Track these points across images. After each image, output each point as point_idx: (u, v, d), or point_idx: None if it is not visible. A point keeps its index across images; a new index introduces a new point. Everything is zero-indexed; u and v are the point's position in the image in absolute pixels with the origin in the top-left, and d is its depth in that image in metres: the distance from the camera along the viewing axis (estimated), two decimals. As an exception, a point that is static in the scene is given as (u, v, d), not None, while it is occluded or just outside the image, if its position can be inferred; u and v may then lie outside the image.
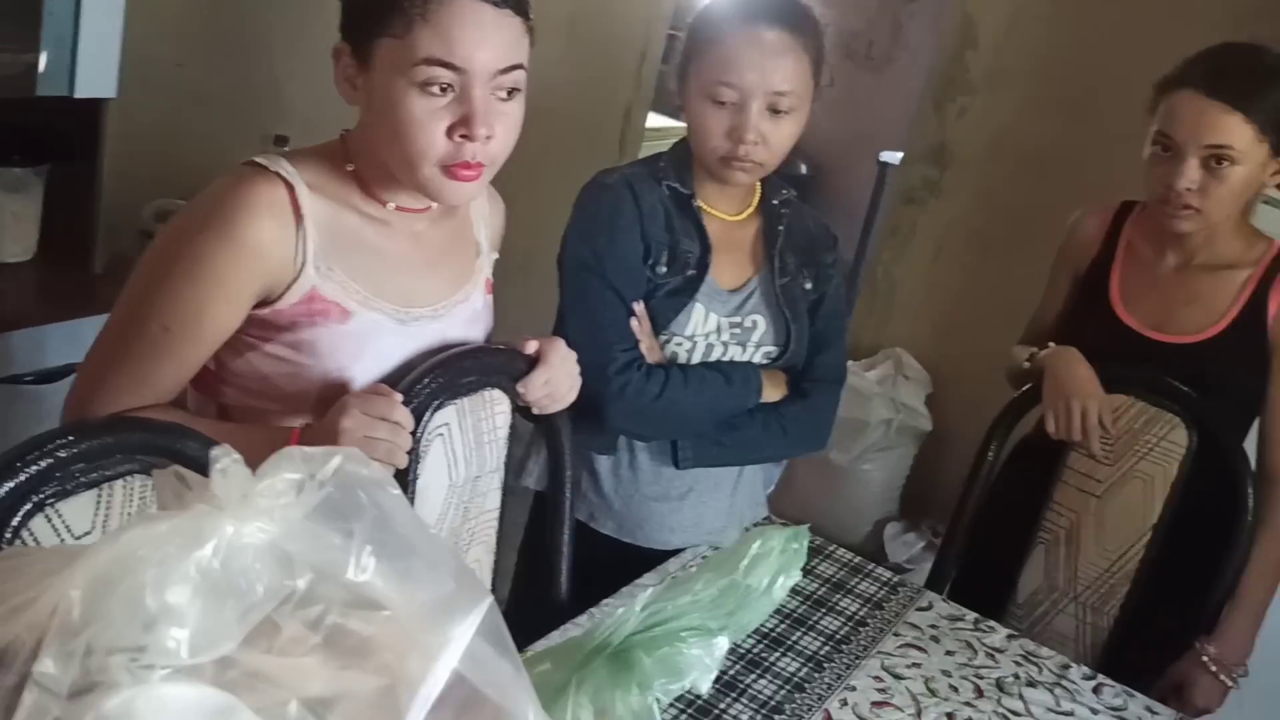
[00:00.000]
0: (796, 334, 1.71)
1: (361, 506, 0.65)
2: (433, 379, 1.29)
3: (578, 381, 1.44)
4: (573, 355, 1.43)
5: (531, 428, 1.68)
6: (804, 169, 6.20)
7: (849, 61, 6.13)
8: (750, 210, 1.73)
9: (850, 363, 3.48)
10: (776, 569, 1.02)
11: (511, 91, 1.24)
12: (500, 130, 1.23)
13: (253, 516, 0.62)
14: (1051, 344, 1.82)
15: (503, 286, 3.78)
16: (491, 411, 1.42)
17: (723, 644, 1.01)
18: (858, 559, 1.79)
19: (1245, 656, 1.71)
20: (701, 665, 1.00)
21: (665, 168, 1.67)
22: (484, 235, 1.47)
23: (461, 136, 1.20)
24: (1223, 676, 1.69)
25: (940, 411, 3.36)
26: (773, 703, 1.40)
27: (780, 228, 1.72)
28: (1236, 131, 1.60)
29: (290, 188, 1.21)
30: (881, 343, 3.52)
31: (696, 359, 1.67)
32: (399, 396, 1.19)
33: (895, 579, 1.75)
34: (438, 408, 1.32)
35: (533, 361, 1.41)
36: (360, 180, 1.29)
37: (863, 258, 5.13)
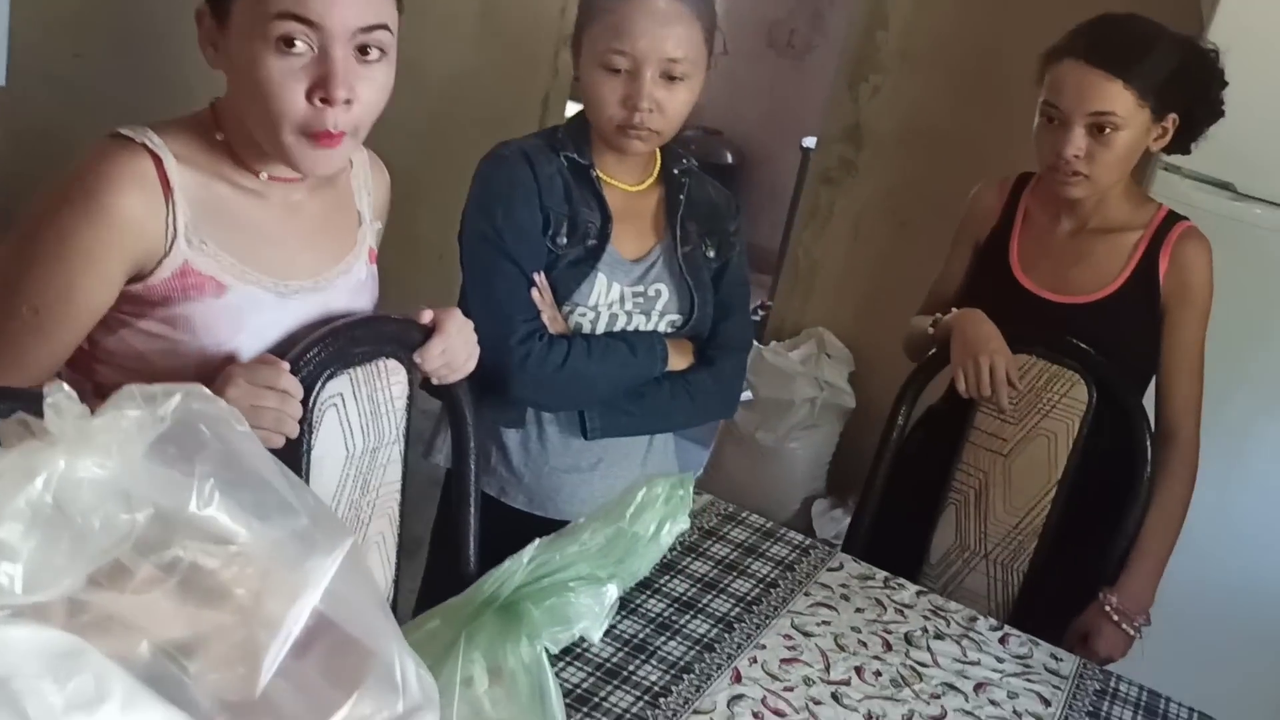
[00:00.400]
0: (700, 302, 1.72)
1: (205, 441, 0.65)
2: (322, 348, 1.28)
3: (475, 350, 1.44)
4: (469, 324, 1.43)
5: (439, 406, 1.67)
6: (729, 158, 6.23)
7: (771, 50, 6.18)
8: (651, 180, 1.74)
9: (773, 343, 3.52)
10: (662, 516, 1.02)
11: (376, 54, 1.20)
12: (363, 93, 1.20)
13: (88, 452, 0.61)
14: (954, 309, 1.85)
15: (418, 276, 3.76)
16: (387, 382, 1.40)
17: (612, 592, 1.02)
18: (770, 524, 1.80)
19: (1147, 606, 1.75)
20: (591, 613, 1.01)
21: (563, 138, 1.67)
22: (366, 204, 1.44)
23: (321, 100, 1.17)
24: (1125, 626, 1.73)
25: (863, 389, 3.40)
26: (682, 663, 1.41)
27: (681, 196, 1.73)
28: (1118, 98, 1.65)
29: (157, 159, 1.18)
30: (804, 323, 3.56)
31: (600, 329, 1.67)
32: (285, 364, 1.18)
33: (807, 542, 1.77)
34: (329, 377, 1.31)
35: (429, 331, 1.40)
36: (230, 150, 1.26)
37: (788, 242, 5.16)
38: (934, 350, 1.86)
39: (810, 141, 5.16)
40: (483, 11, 3.54)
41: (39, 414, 1.02)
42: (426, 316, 1.39)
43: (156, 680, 0.66)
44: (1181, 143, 1.74)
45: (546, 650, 1.01)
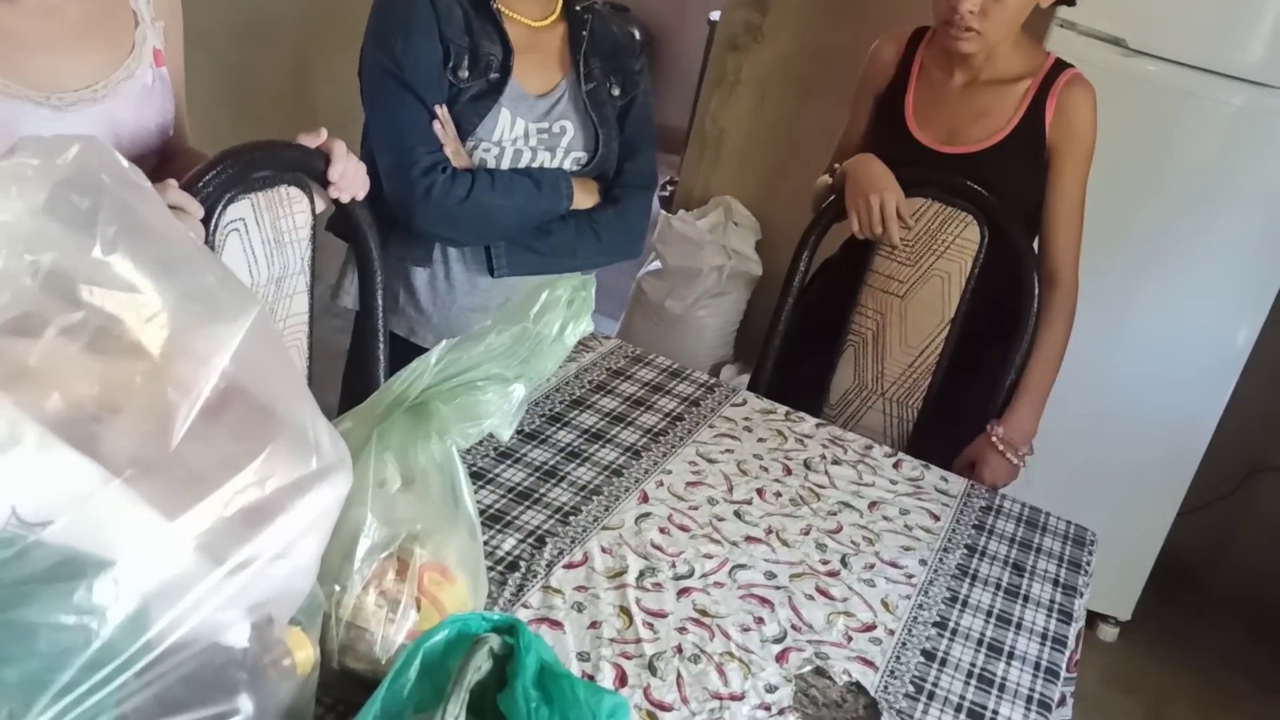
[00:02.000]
0: (604, 139, 1.73)
1: (105, 190, 0.65)
2: (221, 170, 1.27)
3: (366, 173, 1.43)
4: (343, 145, 1.41)
5: (346, 248, 1.66)
6: (637, 34, 6.15)
7: (677, -76, 6.07)
8: (554, 15, 1.72)
9: (681, 211, 3.54)
10: (565, 317, 1.04)
11: None
12: None
13: (-13, 195, 0.61)
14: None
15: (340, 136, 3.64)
16: (290, 210, 1.40)
17: (519, 391, 1.04)
18: (676, 365, 1.85)
19: (1030, 437, 1.84)
20: (499, 410, 1.03)
21: None
22: (144, 4, 1.36)
23: None
24: (1009, 455, 1.81)
25: (770, 256, 3.45)
26: (592, 486, 1.45)
27: (584, 33, 1.72)
28: None
29: None
30: (711, 191, 3.57)
31: (505, 165, 1.67)
32: (173, 182, 1.16)
33: (712, 381, 1.82)
34: (230, 201, 1.29)
35: (326, 159, 1.38)
36: None
37: (694, 115, 5.15)
38: (831, 199, 1.90)
39: (717, 15, 5.12)
40: None
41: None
42: (318, 139, 1.37)
43: (69, 432, 0.67)
44: None
45: (457, 446, 1.04)
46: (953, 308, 1.84)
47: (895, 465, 1.66)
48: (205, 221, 1.22)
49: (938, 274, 1.84)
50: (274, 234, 1.37)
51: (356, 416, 1.06)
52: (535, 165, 1.69)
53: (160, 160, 1.39)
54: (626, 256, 1.83)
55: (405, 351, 1.70)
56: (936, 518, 1.54)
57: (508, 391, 1.04)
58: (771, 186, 3.48)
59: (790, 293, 1.95)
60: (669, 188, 5.16)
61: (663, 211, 3.61)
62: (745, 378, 3.47)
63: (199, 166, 1.26)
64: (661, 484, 1.49)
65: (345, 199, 1.41)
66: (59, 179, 0.63)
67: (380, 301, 1.55)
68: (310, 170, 1.37)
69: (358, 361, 1.65)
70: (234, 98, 3.16)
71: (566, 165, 1.72)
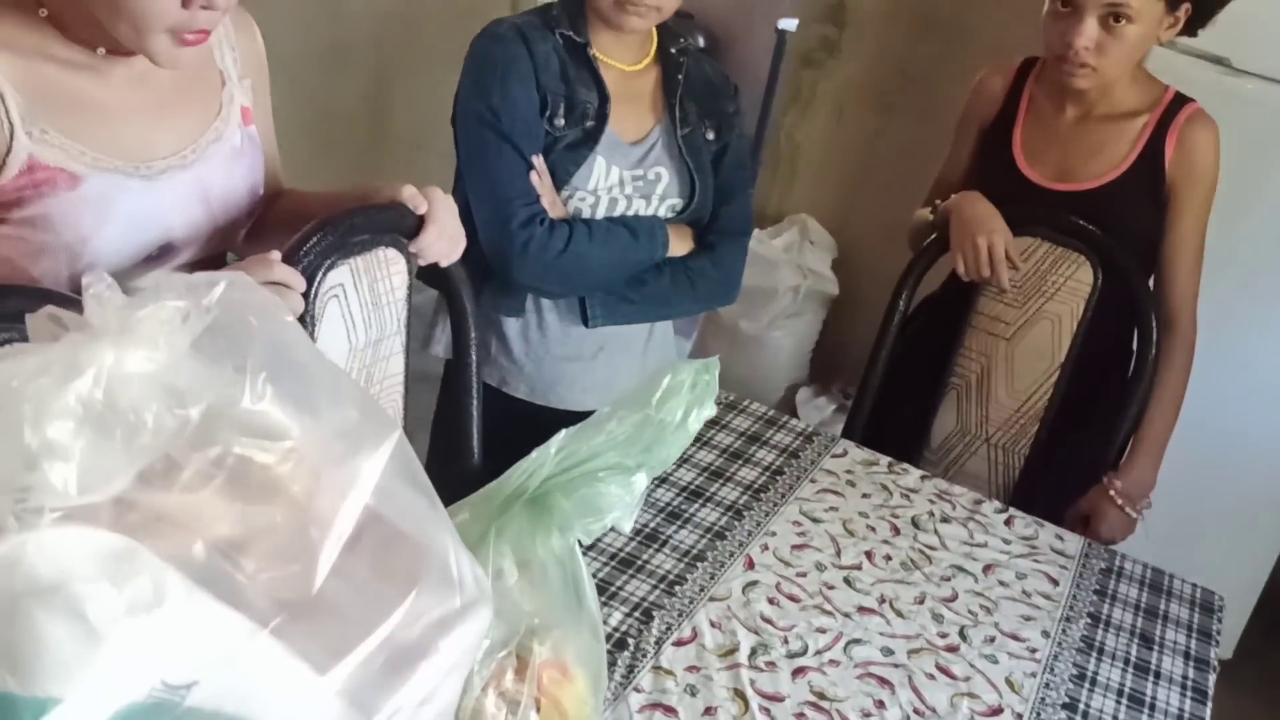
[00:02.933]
0: (701, 186, 1.68)
1: (253, 332, 0.61)
2: (321, 238, 1.23)
3: (462, 228, 1.39)
4: (451, 200, 1.38)
5: (436, 296, 1.63)
6: (701, 42, 6.09)
7: (742, -72, 6.00)
8: (648, 59, 1.68)
9: (756, 231, 3.47)
10: (689, 402, 1.00)
11: None
12: None
13: (135, 345, 0.58)
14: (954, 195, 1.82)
15: (394, 166, 3.67)
16: (388, 272, 1.36)
17: (641, 480, 1.00)
18: (772, 412, 1.80)
19: (1149, 490, 1.77)
20: (622, 503, 0.99)
21: (558, 15, 1.61)
22: (230, 62, 1.32)
23: (202, 6, 1.09)
24: (1128, 509, 1.74)
25: (846, 275, 3.39)
26: (695, 551, 1.41)
27: (680, 76, 1.67)
28: None
29: None
30: (786, 209, 3.52)
31: (600, 214, 1.63)
32: (276, 255, 1.13)
33: (810, 429, 1.76)
34: (329, 268, 1.26)
35: (422, 218, 1.35)
36: (59, 25, 1.14)
37: (765, 128, 5.09)
38: (934, 236, 1.83)
39: (786, 23, 5.05)
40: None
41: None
42: (424, 206, 1.34)
43: (210, 580, 0.64)
44: (1191, 26, 1.70)
45: (579, 542, 1.00)
46: (1063, 352, 1.77)
47: (1007, 523, 1.59)
48: (306, 293, 1.19)
49: (1047, 317, 1.77)
50: (371, 297, 1.34)
51: (473, 508, 1.03)
52: (630, 213, 1.65)
53: (261, 207, 1.36)
54: (722, 303, 1.79)
55: (497, 401, 1.67)
56: (1055, 582, 1.48)
57: (630, 482, 0.99)
58: (848, 204, 3.42)
59: (888, 334, 1.89)
60: (737, 199, 5.11)
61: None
62: (823, 400, 3.42)
63: (299, 235, 1.22)
64: (767, 547, 1.44)
65: (443, 263, 1.38)
66: (206, 324, 0.59)
67: (474, 356, 1.52)
68: (407, 233, 1.34)
69: (449, 413, 1.62)
70: (311, 120, 3.15)
71: (661, 212, 1.68)
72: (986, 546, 1.53)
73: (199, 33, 1.11)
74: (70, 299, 1.01)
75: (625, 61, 1.65)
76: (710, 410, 1.04)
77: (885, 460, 1.70)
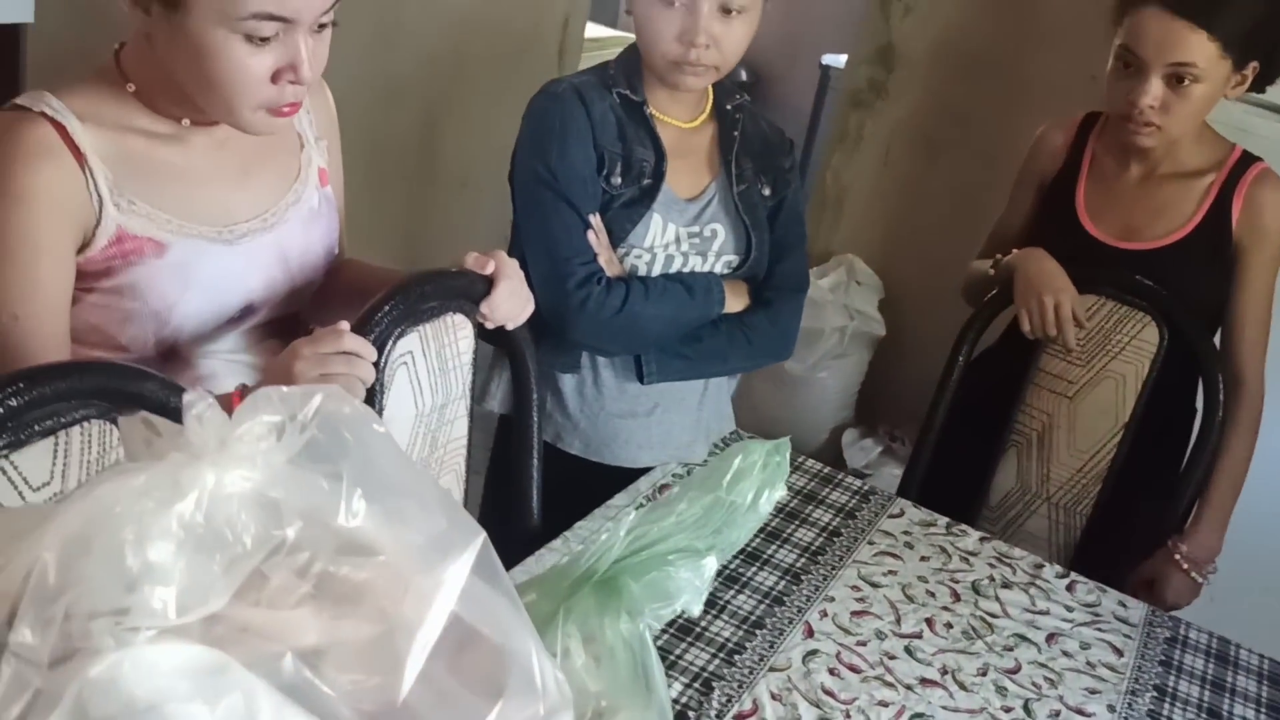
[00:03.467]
0: (757, 242, 1.68)
1: (347, 447, 0.61)
2: (392, 307, 1.25)
3: (529, 292, 1.41)
4: (516, 263, 1.39)
5: (492, 351, 1.64)
6: (744, 76, 6.11)
7: (786, -37, 6.02)
8: (704, 116, 1.68)
9: (802, 271, 3.47)
10: (760, 483, 0.99)
11: (329, 25, 1.17)
12: (319, 63, 1.17)
13: (233, 464, 0.58)
14: (1016, 250, 1.81)
15: (444, 203, 3.69)
16: (455, 337, 1.37)
17: (711, 564, 0.99)
18: (827, 469, 1.79)
19: (1215, 554, 1.74)
20: (691, 587, 0.98)
21: (615, 75, 1.62)
22: (307, 125, 1.36)
23: (290, 81, 1.13)
24: (1194, 574, 1.71)
25: (893, 316, 3.37)
26: (754, 618, 1.40)
27: (735, 133, 1.68)
28: (1200, 49, 1.58)
29: (60, 126, 1.11)
30: (833, 249, 3.51)
31: (656, 271, 1.64)
32: (345, 326, 1.14)
33: (866, 487, 1.75)
34: (399, 336, 1.27)
35: (490, 280, 1.36)
36: (144, 99, 1.18)
37: (808, 164, 5.08)
38: (994, 292, 1.82)
39: (830, 59, 5.05)
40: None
41: (132, 394, 0.99)
42: (491, 266, 1.35)
43: (297, 691, 0.64)
44: (1260, 83, 1.68)
45: (649, 628, 1.00)
46: (1127, 411, 1.75)
47: (1069, 588, 1.57)
48: (376, 361, 1.19)
49: (1111, 375, 1.75)
50: (439, 362, 1.35)
51: (542, 588, 1.02)
52: (686, 269, 1.65)
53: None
54: (777, 359, 1.78)
55: (552, 457, 1.67)
56: (1120, 652, 1.45)
57: (700, 566, 0.99)
58: (896, 245, 3.41)
59: (947, 387, 1.87)
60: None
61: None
62: (869, 442, 3.40)
63: (371, 304, 1.23)
64: (826, 614, 1.43)
65: (511, 325, 1.39)
66: (302, 440, 0.60)
67: (535, 416, 1.52)
68: (476, 298, 1.34)
69: (506, 471, 1.62)
70: (362, 156, 3.18)
71: (718, 269, 1.68)
72: (1049, 614, 1.51)
73: (291, 106, 1.15)
74: (145, 374, 1.03)
75: (682, 119, 1.66)
76: (782, 492, 1.03)
77: (943, 521, 1.69)
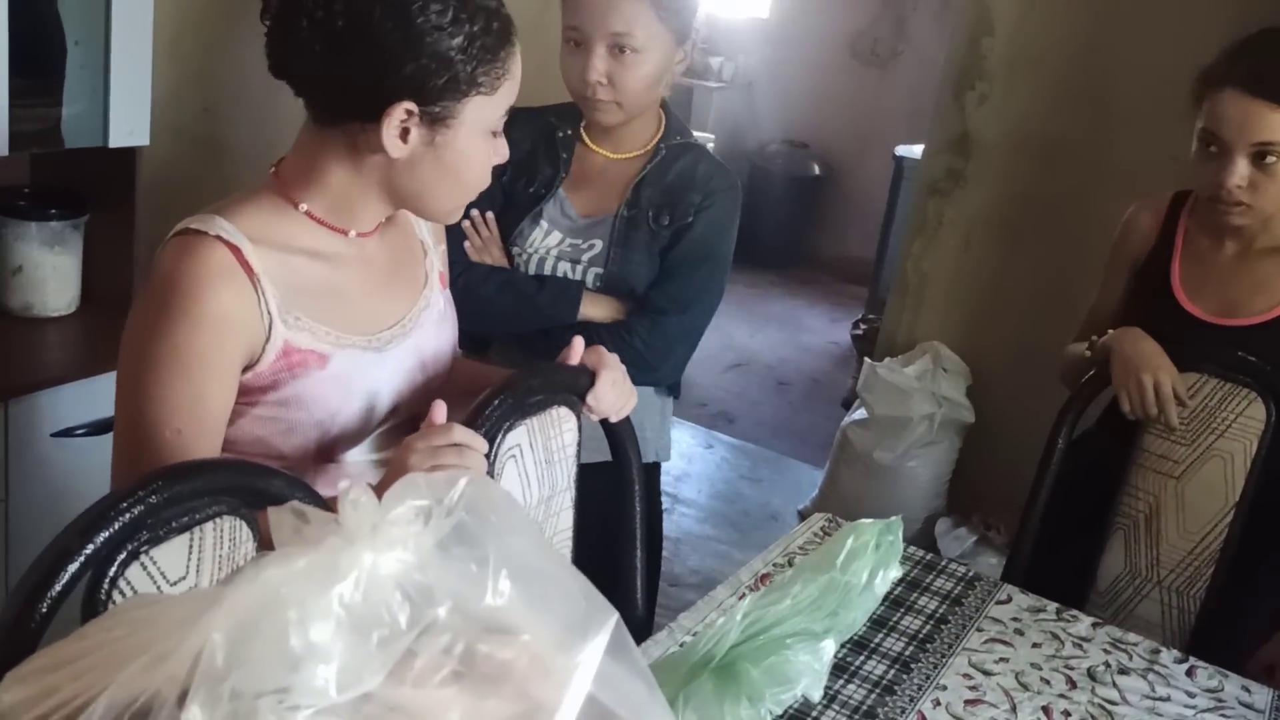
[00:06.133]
0: (618, 256, 1.78)
1: (494, 530, 0.64)
2: (502, 401, 1.28)
3: (631, 385, 1.44)
4: (619, 360, 1.42)
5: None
6: (817, 170, 6.19)
7: (855, 60, 6.13)
8: (639, 151, 1.82)
9: (887, 359, 3.47)
10: (874, 563, 1.00)
11: None
12: None
13: (387, 547, 0.61)
14: (1111, 331, 1.80)
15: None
16: (560, 430, 1.40)
17: (829, 647, 0.99)
18: (929, 555, 1.77)
19: (1338, 633, 1.68)
20: (810, 671, 0.98)
21: (562, 107, 1.82)
22: (426, 232, 1.43)
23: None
24: (1315, 657, 1.66)
25: (981, 402, 3.34)
26: (865, 707, 1.37)
27: (649, 165, 1.80)
28: None
29: (235, 248, 1.17)
30: (916, 337, 3.50)
31: (532, 270, 1.79)
32: (440, 413, 1.18)
33: (971, 573, 1.73)
34: (508, 429, 1.30)
35: (593, 373, 1.39)
36: (317, 217, 1.24)
37: (884, 253, 5.11)
38: (1092, 373, 1.80)
39: (903, 150, 5.11)
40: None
41: (259, 490, 1.03)
42: (591, 360, 1.39)
43: (446, 774, 0.65)
44: None
45: (771, 712, 0.99)
46: (1237, 491, 1.71)
47: (1189, 673, 1.53)
48: (487, 454, 1.22)
49: (1218, 454, 1.72)
50: (545, 455, 1.38)
51: (659, 675, 1.03)
52: (558, 274, 1.79)
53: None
54: (645, 380, 1.75)
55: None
56: (1247, 739, 1.40)
57: (818, 649, 0.99)
58: (980, 331, 3.39)
59: (1047, 472, 1.85)
60: (862, 325, 5.11)
61: (866, 359, 3.55)
62: (963, 531, 3.34)
63: (482, 398, 1.27)
64: (939, 703, 1.40)
65: (614, 418, 1.42)
66: (450, 523, 0.62)
67: (639, 507, 1.53)
68: (580, 391, 1.38)
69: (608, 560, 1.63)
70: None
71: (587, 279, 1.79)
72: (1170, 700, 1.46)
73: None
74: (272, 471, 1.07)
75: (611, 150, 1.82)
76: (897, 571, 1.03)
77: (1053, 606, 1.65)
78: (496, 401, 1.28)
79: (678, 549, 3.44)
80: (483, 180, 1.25)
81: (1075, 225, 3.07)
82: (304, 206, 1.23)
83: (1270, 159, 1.60)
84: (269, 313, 1.18)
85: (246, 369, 1.19)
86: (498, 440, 1.29)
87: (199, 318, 1.14)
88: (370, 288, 1.29)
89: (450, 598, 0.62)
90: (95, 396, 2.00)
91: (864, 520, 1.04)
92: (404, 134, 1.18)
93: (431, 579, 0.62)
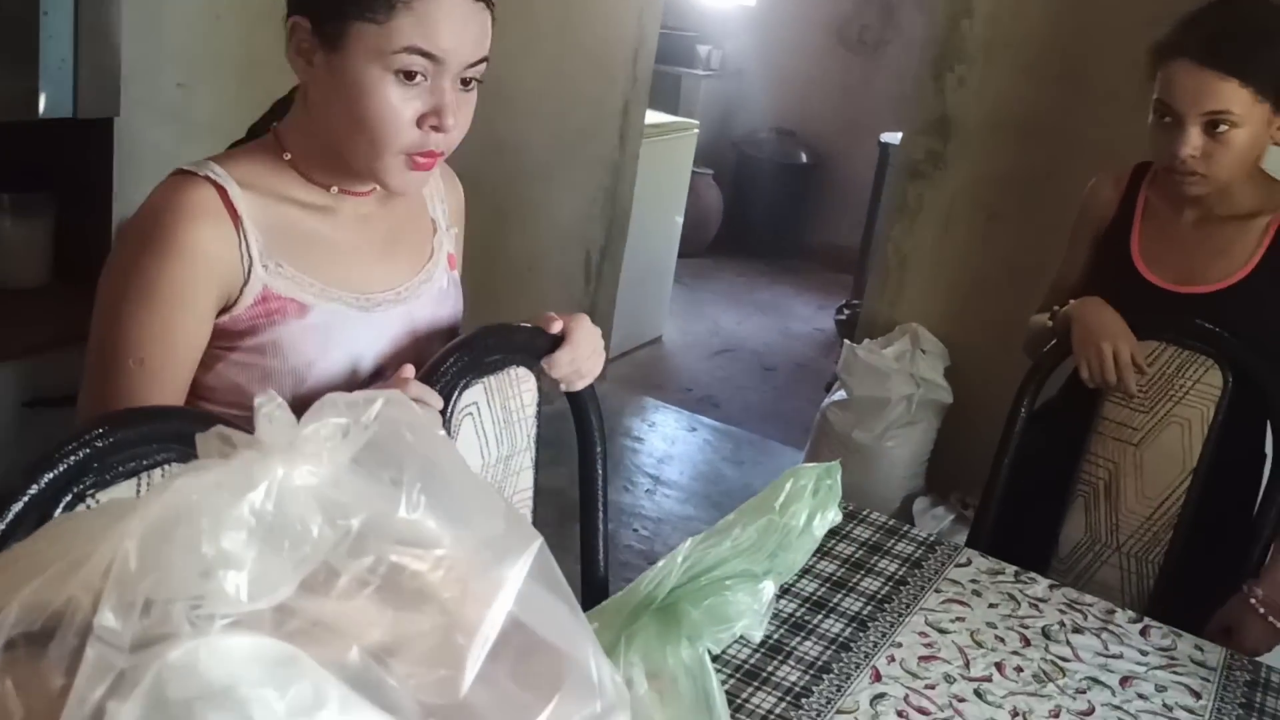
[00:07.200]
0: None
1: (409, 447, 0.65)
2: (458, 358, 1.29)
3: (602, 356, 1.44)
4: (596, 330, 1.43)
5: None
6: (804, 158, 6.20)
7: (842, 48, 6.14)
8: None
9: (866, 340, 3.48)
10: (812, 507, 1.01)
11: (474, 83, 1.24)
12: (462, 119, 1.23)
13: (301, 460, 0.62)
14: (1072, 300, 1.81)
15: (508, 288, 3.77)
16: (519, 390, 1.41)
17: (769, 588, 1.01)
18: (893, 521, 1.79)
19: (1294, 597, 1.70)
20: (750, 611, 1.00)
21: None
22: (440, 212, 1.44)
23: (432, 127, 1.19)
24: (1272, 619, 1.67)
25: (960, 383, 3.35)
26: (820, 662, 1.39)
27: None
28: (1234, 97, 1.60)
29: (221, 190, 1.19)
30: (896, 319, 3.51)
31: None
32: (410, 371, 1.19)
33: (932, 538, 1.74)
34: (465, 386, 1.32)
35: (557, 339, 1.40)
36: (298, 168, 1.26)
37: (870, 240, 5.12)
38: (1054, 342, 1.82)
39: (889, 136, 5.12)
40: (560, 26, 3.56)
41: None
42: (556, 325, 1.40)
43: (365, 685, 0.66)
44: None
45: (709, 651, 1.01)
46: (1195, 456, 1.73)
47: (1143, 633, 1.55)
48: (443, 410, 1.24)
49: (1177, 421, 1.74)
50: (504, 414, 1.39)
51: (603, 617, 1.04)
52: None
53: None
54: None
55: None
56: (1197, 695, 1.42)
57: (757, 590, 1.01)
58: (959, 312, 3.41)
59: (1010, 441, 1.87)
60: (846, 311, 5.12)
61: (846, 341, 3.56)
62: (940, 510, 3.36)
63: (437, 355, 1.29)
64: (893, 659, 1.42)
65: (566, 388, 1.43)
66: (367, 439, 0.63)
67: (601, 471, 1.55)
68: (537, 353, 1.39)
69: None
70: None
71: None
72: (1122, 658, 1.48)
73: (428, 156, 1.21)
74: (219, 418, 1.08)
75: None
76: (835, 514, 1.05)
77: (1011, 569, 1.67)
78: (452, 359, 1.29)
79: (659, 529, 3.46)
80: (393, 129, 1.18)
81: (1054, 205, 3.08)
82: (287, 155, 1.26)
83: (1222, 128, 1.61)
84: (249, 256, 1.20)
85: (223, 312, 1.21)
86: (454, 397, 1.31)
87: (175, 251, 1.16)
88: (365, 249, 1.31)
89: (364, 510, 0.63)
90: (68, 368, 2.01)
91: (803, 465, 1.06)
92: (308, 58, 1.20)
93: (345, 491, 0.63)
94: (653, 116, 4.26)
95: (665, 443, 4.03)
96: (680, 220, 4.81)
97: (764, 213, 6.17)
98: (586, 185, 3.90)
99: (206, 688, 0.61)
